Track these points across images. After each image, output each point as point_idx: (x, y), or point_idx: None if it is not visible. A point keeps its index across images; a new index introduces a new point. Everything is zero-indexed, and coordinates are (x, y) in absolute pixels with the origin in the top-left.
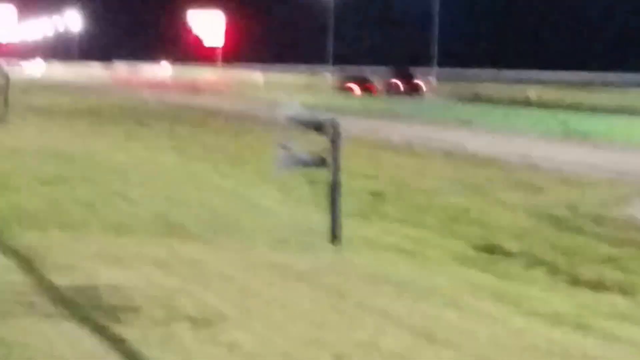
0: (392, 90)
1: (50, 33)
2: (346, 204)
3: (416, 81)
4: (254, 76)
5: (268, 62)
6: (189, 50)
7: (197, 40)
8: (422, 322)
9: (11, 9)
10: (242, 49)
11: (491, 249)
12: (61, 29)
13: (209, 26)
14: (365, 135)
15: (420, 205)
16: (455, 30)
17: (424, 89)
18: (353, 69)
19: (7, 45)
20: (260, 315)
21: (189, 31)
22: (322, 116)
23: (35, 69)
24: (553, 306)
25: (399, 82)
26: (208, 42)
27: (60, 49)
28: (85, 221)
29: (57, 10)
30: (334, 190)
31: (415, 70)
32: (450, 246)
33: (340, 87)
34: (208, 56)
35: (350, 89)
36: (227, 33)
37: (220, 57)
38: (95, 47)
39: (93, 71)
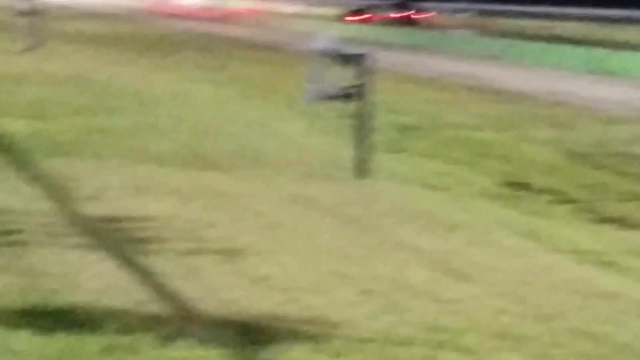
0: (387, 20)
1: None
2: (374, 137)
3: (408, 13)
4: (284, 7)
5: None
6: None
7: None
8: (447, 257)
9: None
10: None
11: (517, 185)
12: None
13: None
14: (395, 68)
15: (448, 140)
16: None
17: (422, 18)
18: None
19: None
20: (286, 248)
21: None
22: (352, 49)
23: None
24: (577, 243)
25: (393, 14)
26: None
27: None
28: (113, 151)
29: None
30: (363, 123)
31: (412, 3)
32: (477, 181)
33: (341, 19)
34: None
35: (351, 18)
36: None
37: None
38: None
39: None
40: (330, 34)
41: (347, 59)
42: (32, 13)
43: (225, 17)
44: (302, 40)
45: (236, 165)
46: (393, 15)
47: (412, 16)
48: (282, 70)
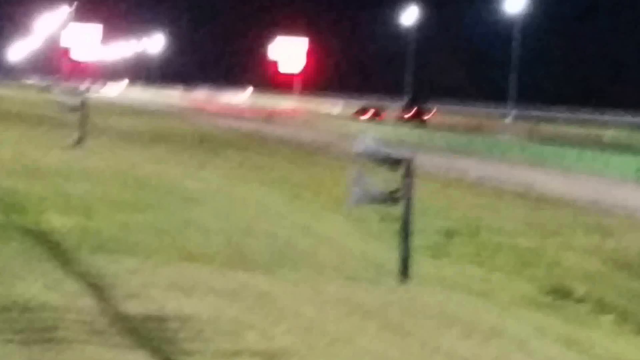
0: (401, 118)
1: (133, 55)
2: (417, 241)
3: (417, 112)
4: (331, 106)
5: (346, 92)
6: (269, 77)
7: (278, 68)
8: None
9: (98, 29)
10: (321, 78)
11: (560, 293)
12: (144, 51)
13: (290, 53)
14: (439, 172)
15: (490, 245)
16: (533, 69)
17: (428, 118)
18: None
19: (90, 64)
20: (325, 351)
21: (270, 58)
22: (397, 152)
23: (116, 90)
24: (620, 354)
25: (406, 112)
26: (288, 69)
27: (142, 71)
28: (156, 248)
29: (142, 33)
30: (405, 226)
31: (425, 103)
32: (518, 288)
33: (355, 114)
34: (288, 84)
35: (362, 115)
36: (308, 61)
37: (299, 85)
38: (176, 70)
39: (172, 95)
40: (374, 136)
41: (390, 162)
42: (79, 108)
43: (272, 117)
44: (346, 141)
45: (279, 266)
46: (405, 114)
47: (423, 116)
48: (326, 171)
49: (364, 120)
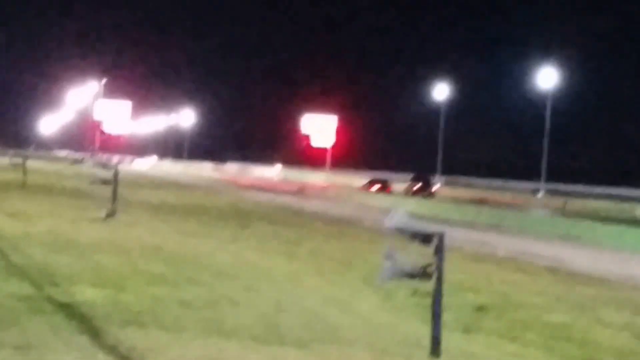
0: (409, 191)
1: (164, 129)
2: (448, 315)
3: (423, 184)
4: (362, 180)
5: (376, 168)
6: (299, 153)
7: (308, 144)
8: None
9: (127, 105)
10: (351, 154)
11: None
12: (175, 126)
13: (321, 128)
14: (469, 247)
15: (522, 321)
16: (565, 145)
17: (434, 192)
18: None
19: (121, 138)
20: None
21: (301, 134)
22: (428, 227)
23: (147, 163)
24: None
25: (413, 185)
26: (320, 144)
27: (172, 146)
28: (188, 323)
29: (172, 108)
30: (436, 302)
31: (432, 177)
32: None
33: (364, 187)
34: (319, 158)
35: (369, 188)
36: (339, 136)
37: (329, 161)
38: (207, 144)
39: (203, 168)
40: (405, 211)
41: (422, 237)
42: (111, 181)
43: (303, 190)
44: (377, 215)
45: (311, 341)
46: (412, 188)
47: (429, 189)
48: (358, 246)
49: (374, 193)
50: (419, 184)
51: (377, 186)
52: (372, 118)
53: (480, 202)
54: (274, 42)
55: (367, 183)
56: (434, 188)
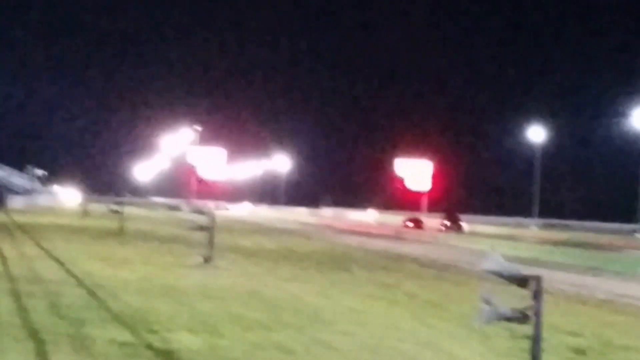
0: (441, 228)
1: (258, 175)
2: (546, 358)
3: (452, 222)
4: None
5: (472, 211)
6: (394, 198)
7: (403, 188)
8: None
9: (222, 152)
10: (447, 198)
11: None
12: (269, 172)
13: (415, 174)
14: (568, 289)
15: None
16: None
17: (463, 228)
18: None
19: (215, 185)
20: None
21: (395, 179)
22: (524, 269)
23: (243, 209)
24: None
25: (446, 222)
26: (416, 188)
27: (267, 192)
28: None
29: (266, 154)
30: (535, 345)
31: (461, 215)
32: None
33: (402, 225)
34: (413, 204)
35: (407, 226)
36: (434, 182)
37: (425, 205)
38: (302, 191)
39: (299, 213)
40: (500, 253)
41: (519, 280)
42: (207, 227)
43: (399, 234)
44: (473, 258)
45: None
46: (443, 225)
47: (459, 227)
48: (453, 289)
49: (411, 229)
50: (449, 222)
51: (411, 224)
52: (467, 161)
53: (576, 244)
54: (368, 86)
55: (404, 221)
56: (463, 225)
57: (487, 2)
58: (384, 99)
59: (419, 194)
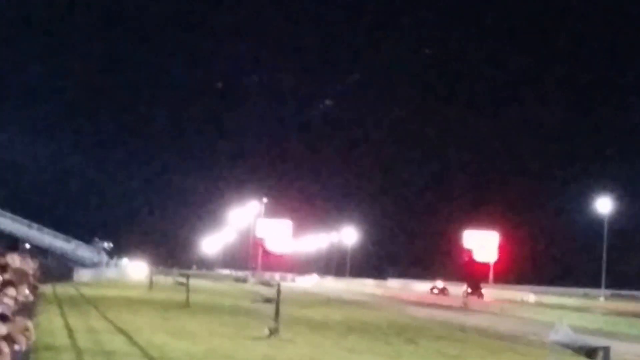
0: (466, 295)
1: (324, 247)
2: None
3: (474, 289)
4: (525, 296)
5: (538, 283)
6: (461, 269)
7: (470, 260)
8: None
9: (288, 224)
10: (514, 269)
11: None
12: (336, 244)
13: (482, 245)
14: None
15: None
16: None
17: (483, 296)
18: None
19: (282, 257)
20: None
21: (462, 250)
22: (593, 341)
23: (310, 280)
24: None
25: (468, 290)
26: (482, 259)
27: (333, 263)
28: None
29: (333, 226)
30: None
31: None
32: None
33: (429, 292)
34: (481, 273)
35: (433, 292)
36: (500, 253)
37: (491, 276)
38: (368, 262)
39: (365, 286)
40: (568, 325)
41: (587, 351)
42: (274, 299)
43: (466, 305)
44: (539, 329)
45: None
46: (467, 293)
47: (480, 294)
48: (520, 358)
49: (436, 296)
50: (471, 289)
51: (438, 290)
52: (534, 233)
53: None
54: (434, 157)
55: (431, 289)
56: (484, 293)
57: (550, 85)
58: (452, 172)
59: (485, 265)
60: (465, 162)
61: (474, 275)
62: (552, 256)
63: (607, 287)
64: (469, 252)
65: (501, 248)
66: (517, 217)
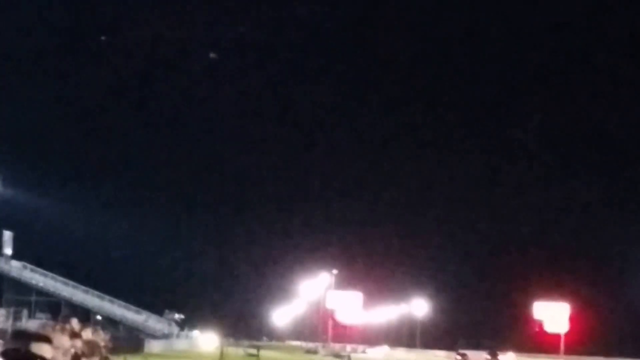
0: None
1: (394, 318)
2: None
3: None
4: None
5: (611, 354)
6: (531, 341)
7: (541, 331)
8: None
9: (358, 296)
10: (585, 340)
11: None
12: (407, 315)
13: (553, 316)
14: None
15: None
16: None
17: None
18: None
19: (352, 329)
20: None
21: (534, 322)
22: None
23: (379, 353)
24: None
25: (488, 357)
26: (553, 330)
27: (404, 335)
28: None
29: (403, 298)
30: None
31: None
32: None
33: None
34: (551, 347)
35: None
36: (572, 324)
37: (562, 347)
38: (438, 334)
39: (435, 358)
40: None
41: None
42: None
43: None
44: None
45: None
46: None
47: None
48: None
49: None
50: (490, 357)
51: (459, 357)
52: (606, 304)
53: None
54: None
55: (454, 357)
56: None
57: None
58: (522, 246)
59: (556, 336)
60: (537, 233)
61: (492, 346)
62: (626, 327)
63: None
64: (539, 322)
65: (572, 319)
66: (591, 288)
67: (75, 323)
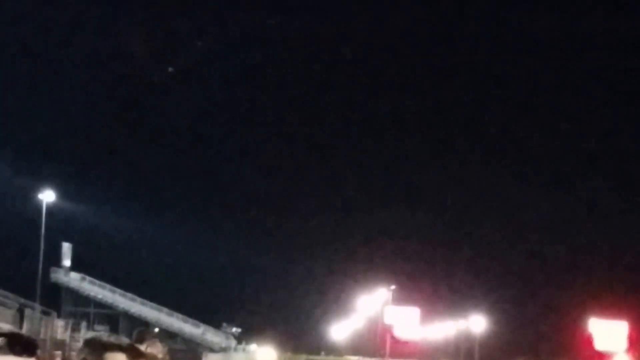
0: None
1: (453, 335)
2: None
3: None
4: None
5: None
6: (584, 353)
7: (595, 349)
8: None
9: (416, 311)
10: None
11: None
12: (464, 332)
13: (610, 333)
14: None
15: None
16: None
17: None
18: None
19: (410, 344)
20: None
21: (588, 339)
22: None
23: None
24: None
25: None
26: (605, 349)
27: (462, 351)
28: None
29: (461, 314)
30: None
31: None
32: None
33: None
34: None
35: None
36: (630, 343)
37: None
38: (497, 350)
39: None
40: None
41: None
42: None
43: None
44: None
45: None
46: None
47: None
48: None
49: None
50: None
51: None
52: None
53: None
54: (561, 249)
55: None
56: None
57: None
58: (577, 260)
59: (610, 355)
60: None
61: None
62: None
63: None
64: (590, 338)
65: (631, 338)
66: None
67: (158, 345)
